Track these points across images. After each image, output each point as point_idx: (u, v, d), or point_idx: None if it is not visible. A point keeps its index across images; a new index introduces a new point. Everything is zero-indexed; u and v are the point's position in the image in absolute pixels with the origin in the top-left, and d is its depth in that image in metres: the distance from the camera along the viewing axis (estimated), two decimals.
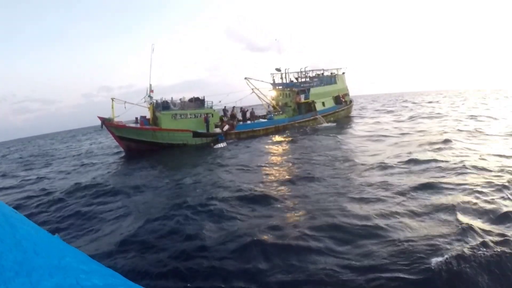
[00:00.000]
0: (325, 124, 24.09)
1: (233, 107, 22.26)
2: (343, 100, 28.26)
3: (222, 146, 17.65)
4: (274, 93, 26.74)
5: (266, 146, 16.60)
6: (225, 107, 22.10)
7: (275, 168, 11.18)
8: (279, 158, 12.94)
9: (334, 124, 24.18)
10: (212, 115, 20.15)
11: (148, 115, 20.24)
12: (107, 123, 18.45)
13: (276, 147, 16.11)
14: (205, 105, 20.53)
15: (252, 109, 23.75)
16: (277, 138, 19.46)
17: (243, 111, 22.91)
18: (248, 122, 22.48)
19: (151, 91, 19.41)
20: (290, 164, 11.40)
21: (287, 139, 18.35)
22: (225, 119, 21.14)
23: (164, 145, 18.94)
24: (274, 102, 25.84)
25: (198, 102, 20.57)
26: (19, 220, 1.35)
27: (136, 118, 20.28)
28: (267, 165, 11.79)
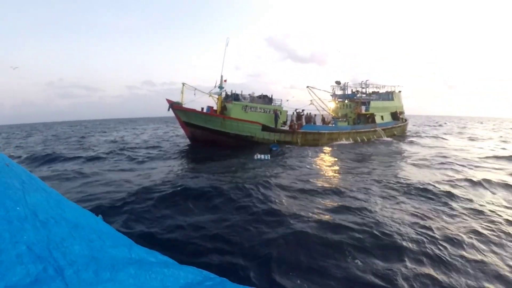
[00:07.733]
0: (385, 138, 23.42)
1: (302, 110, 22.09)
2: (400, 117, 27.78)
3: (264, 158, 13.56)
4: (333, 105, 26.66)
5: (315, 165, 12.15)
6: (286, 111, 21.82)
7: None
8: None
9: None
10: (281, 112, 19.85)
11: (215, 106, 20.00)
12: (175, 106, 18.13)
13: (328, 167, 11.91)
14: (273, 103, 20.33)
15: (311, 113, 23.46)
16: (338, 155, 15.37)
17: (307, 116, 22.54)
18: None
19: (224, 80, 19.25)
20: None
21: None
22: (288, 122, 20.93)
23: (230, 135, 18.39)
24: (333, 113, 25.53)
25: (266, 99, 20.34)
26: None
27: (202, 109, 20.02)
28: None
